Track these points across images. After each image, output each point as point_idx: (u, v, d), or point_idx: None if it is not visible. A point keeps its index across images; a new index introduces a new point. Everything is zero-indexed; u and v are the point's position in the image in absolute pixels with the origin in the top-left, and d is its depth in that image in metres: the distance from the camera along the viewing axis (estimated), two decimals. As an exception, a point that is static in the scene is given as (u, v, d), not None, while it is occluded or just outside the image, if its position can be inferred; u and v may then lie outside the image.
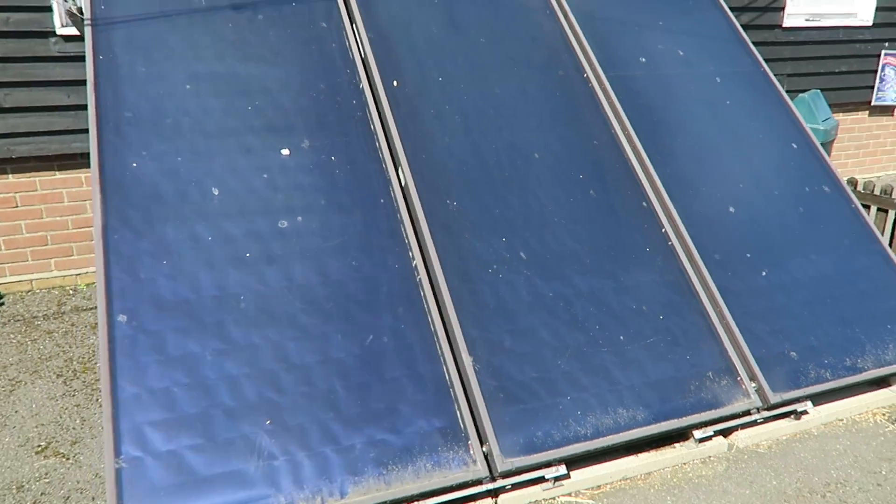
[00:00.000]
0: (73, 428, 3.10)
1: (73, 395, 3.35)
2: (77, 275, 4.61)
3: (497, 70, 3.59)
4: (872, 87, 6.86)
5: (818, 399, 3.08)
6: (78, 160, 4.42)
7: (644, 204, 3.32)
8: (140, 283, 2.51)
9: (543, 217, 3.13)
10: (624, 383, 2.77)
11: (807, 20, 6.34)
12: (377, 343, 2.61)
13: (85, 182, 4.46)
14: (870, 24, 6.56)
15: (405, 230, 2.91)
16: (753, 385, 2.92)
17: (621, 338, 2.88)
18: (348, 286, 2.71)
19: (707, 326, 3.01)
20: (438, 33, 3.63)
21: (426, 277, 2.81)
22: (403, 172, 3.06)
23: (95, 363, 3.64)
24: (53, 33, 4.13)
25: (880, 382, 3.30)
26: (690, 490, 2.70)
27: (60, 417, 3.18)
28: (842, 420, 3.16)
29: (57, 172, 4.40)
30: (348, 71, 3.33)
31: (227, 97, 3.08)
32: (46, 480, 2.76)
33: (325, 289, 2.68)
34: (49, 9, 4.10)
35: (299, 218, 2.82)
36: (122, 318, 2.42)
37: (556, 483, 2.61)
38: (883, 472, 2.80)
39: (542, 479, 2.58)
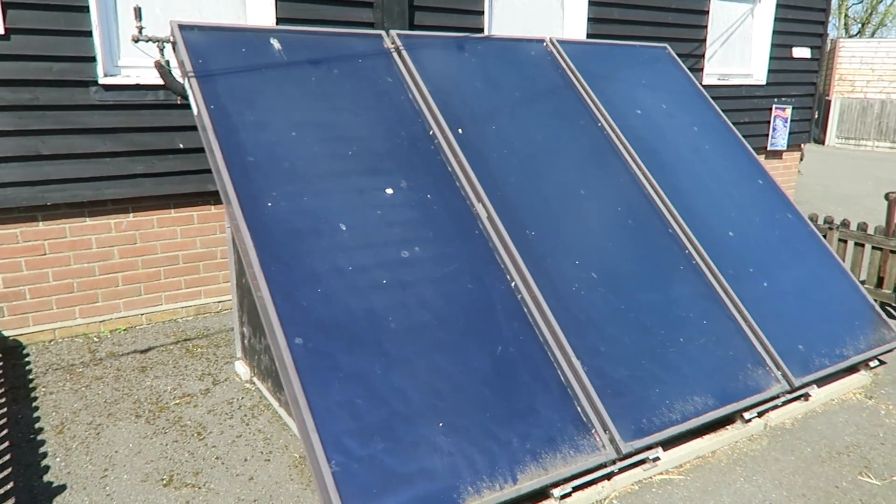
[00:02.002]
0: (186, 461, 3.19)
1: (165, 433, 3.41)
2: (101, 321, 4.56)
3: (533, 120, 4.15)
4: (767, 135, 8.16)
5: (819, 383, 3.83)
6: (108, 206, 4.44)
7: (669, 231, 3.98)
8: (303, 310, 2.76)
9: (599, 243, 3.69)
10: (691, 377, 3.34)
11: (719, 79, 7.51)
12: (505, 353, 3.01)
13: (114, 228, 4.48)
14: (764, 83, 7.86)
15: (500, 257, 3.35)
16: (780, 373, 3.60)
17: (681, 339, 3.47)
18: (469, 306, 3.10)
19: (737, 328, 3.67)
20: (481, 88, 4.14)
21: (527, 296, 3.25)
22: (486, 207, 3.51)
23: (168, 402, 3.70)
24: (95, 82, 4.20)
25: (852, 369, 4.11)
26: (751, 461, 3.29)
27: (166, 453, 3.25)
28: (833, 399, 3.92)
29: (87, 219, 4.39)
30: (420, 120, 3.75)
31: (329, 143, 3.40)
32: (192, 508, 2.87)
33: (452, 308, 3.05)
34: (93, 59, 4.18)
35: (416, 248, 3.19)
36: (298, 340, 2.67)
37: (653, 463, 3.11)
38: (881, 435, 3.55)
39: (642, 462, 3.07)
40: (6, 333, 4.29)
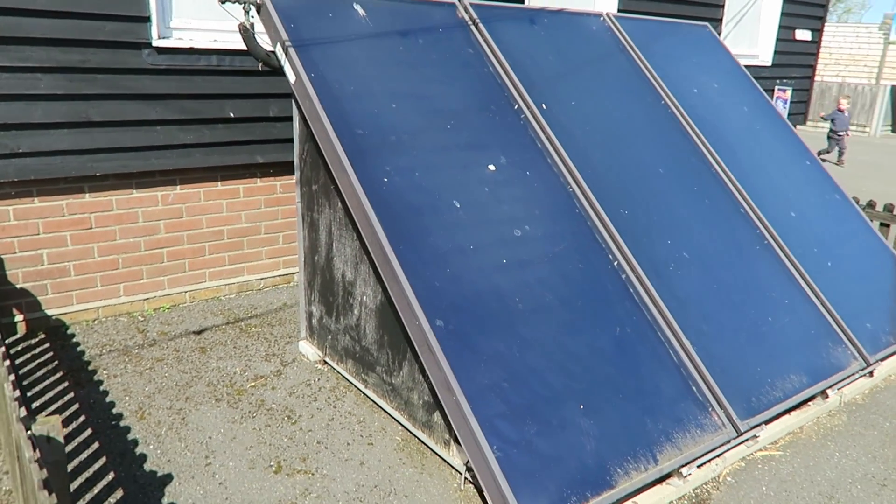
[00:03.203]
0: (287, 446, 3.06)
1: (254, 417, 3.27)
2: (145, 299, 4.33)
3: (605, 96, 4.10)
4: (768, 116, 8.32)
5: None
6: (156, 177, 4.19)
7: (741, 210, 4.02)
8: (437, 291, 2.67)
9: (684, 222, 3.69)
10: (785, 355, 3.40)
11: (730, 59, 7.59)
12: (623, 333, 2.99)
13: (161, 201, 4.24)
14: (769, 64, 8.01)
15: (600, 236, 3.31)
16: (856, 350, 3.71)
17: (769, 319, 3.52)
18: (584, 285, 3.06)
19: (813, 307, 3.75)
20: (555, 62, 4.06)
21: (631, 275, 3.24)
22: (580, 185, 3.46)
23: (244, 385, 3.55)
24: (149, 44, 3.92)
25: (902, 345, 4.27)
26: (839, 437, 3.39)
27: (263, 438, 3.11)
28: (891, 375, 4.07)
29: (135, 190, 4.13)
30: (505, 94, 3.65)
31: (428, 116, 3.28)
32: (314, 496, 2.76)
33: (570, 288, 3.01)
34: (147, 19, 3.89)
35: (527, 227, 3.12)
36: (440, 323, 2.57)
37: (755, 440, 3.17)
38: (946, 408, 3.71)
39: (745, 439, 3.12)
40: (49, 312, 4.02)
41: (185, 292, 4.47)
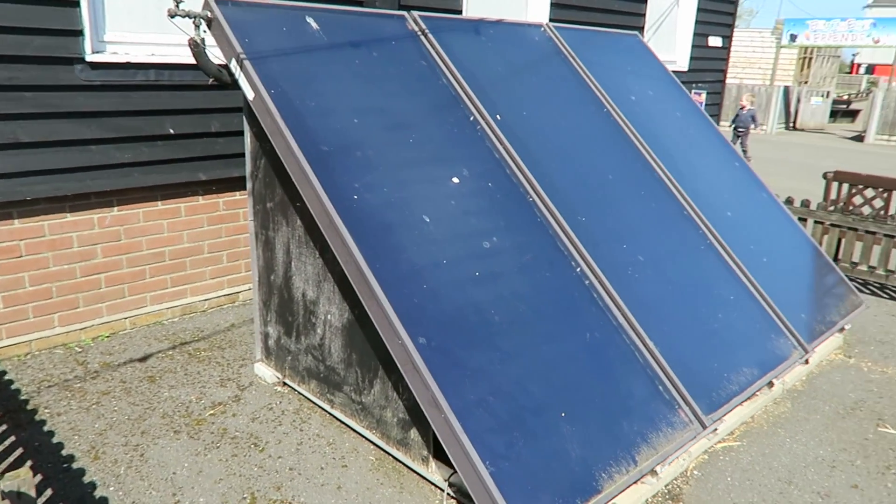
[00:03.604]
0: (258, 476, 2.95)
1: (218, 447, 3.14)
2: (82, 329, 4.07)
3: (553, 106, 4.19)
4: (685, 119, 8.73)
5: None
6: (92, 199, 3.94)
7: (685, 213, 4.20)
8: (417, 307, 2.64)
9: (636, 226, 3.82)
10: (737, 350, 3.57)
11: (650, 65, 7.93)
12: (593, 339, 3.06)
13: (97, 224, 3.99)
14: (686, 69, 8.41)
15: (562, 244, 3.38)
16: (795, 341, 3.95)
17: (720, 315, 3.69)
18: (553, 294, 3.11)
19: (756, 302, 3.97)
20: (504, 73, 4.12)
21: (595, 281, 3.32)
22: (538, 194, 3.52)
23: (202, 414, 3.40)
24: (81, 59, 3.69)
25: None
26: (787, 423, 3.59)
27: (231, 469, 2.99)
28: (823, 361, 4.36)
29: (69, 214, 3.88)
30: (461, 106, 3.67)
31: (390, 131, 3.25)
32: (296, 524, 2.68)
33: (541, 297, 3.05)
34: (79, 32, 3.67)
35: (495, 238, 3.14)
36: (422, 340, 2.55)
37: (714, 433, 3.31)
38: (875, 390, 4.00)
39: (709, 433, 3.26)
40: (-23, 349, 3.72)
41: (126, 318, 4.24)
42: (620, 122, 4.49)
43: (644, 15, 7.56)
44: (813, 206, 5.77)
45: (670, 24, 8.23)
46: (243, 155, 4.44)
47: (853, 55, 45.23)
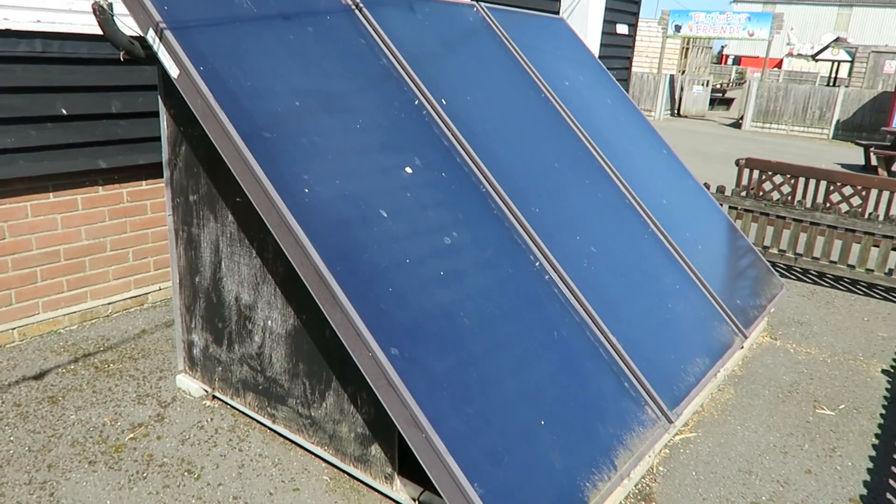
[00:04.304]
0: (198, 508, 2.59)
1: (145, 478, 2.73)
2: (-39, 344, 3.45)
3: (494, 90, 3.99)
4: (595, 105, 8.84)
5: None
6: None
7: (626, 201, 4.14)
8: (384, 314, 2.37)
9: (585, 216, 3.71)
10: (689, 341, 3.55)
11: (564, 51, 7.92)
12: (560, 338, 2.91)
13: (20, 213, 3.39)
14: (597, 55, 8.47)
15: (519, 237, 3.20)
16: (735, 327, 4.00)
17: (669, 305, 3.66)
18: (517, 291, 2.92)
19: (698, 291, 3.98)
20: (443, 54, 3.86)
21: (554, 275, 3.17)
22: (491, 184, 3.31)
23: (120, 438, 2.96)
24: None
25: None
26: (734, 410, 3.63)
27: (164, 502, 2.60)
28: (753, 344, 4.48)
29: (-62, 209, 3.25)
30: (405, 89, 3.39)
31: (335, 115, 2.92)
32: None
33: (505, 296, 2.85)
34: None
35: (454, 233, 2.90)
36: (394, 351, 2.28)
37: (672, 425, 3.28)
38: (805, 371, 4.14)
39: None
40: None
41: (13, 329, 3.65)
42: (559, 109, 4.36)
43: (559, 0, 7.52)
44: (728, 193, 5.95)
45: (582, 11, 8.26)
46: (148, 140, 3.94)
47: (722, 46, 48.41)
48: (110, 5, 2.75)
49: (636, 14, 9.23)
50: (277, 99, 2.77)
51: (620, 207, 4.03)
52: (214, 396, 3.29)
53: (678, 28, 20.51)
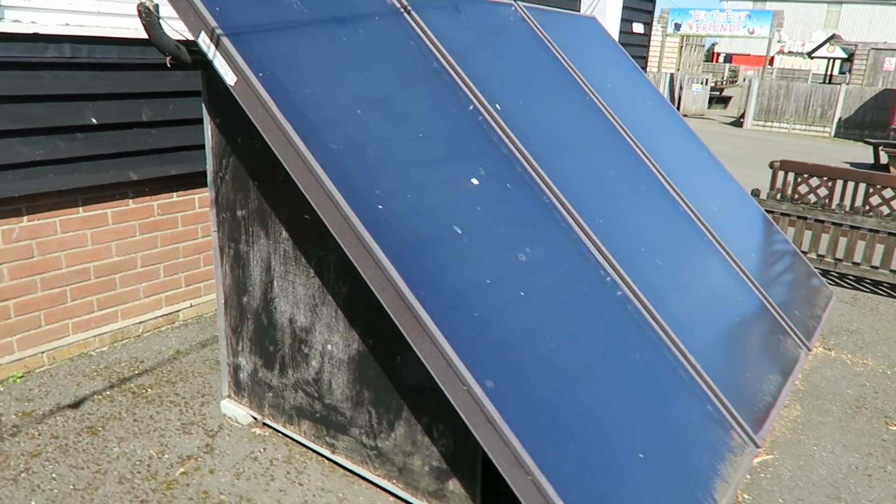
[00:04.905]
0: (264, 553, 2.38)
1: (202, 518, 2.52)
2: (-12, 371, 3.23)
3: (545, 94, 3.81)
4: (612, 105, 8.67)
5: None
6: (9, 204, 3.11)
7: (681, 209, 3.96)
8: (475, 343, 2.17)
9: (646, 226, 3.53)
10: (759, 356, 3.38)
11: (583, 51, 7.74)
12: (644, 360, 2.72)
13: (2, 238, 3.16)
14: (614, 55, 8.30)
15: (588, 250, 3.01)
16: (798, 339, 3.83)
17: (737, 320, 3.49)
18: (596, 311, 2.74)
19: (762, 304, 3.81)
20: (491, 57, 3.68)
21: (627, 291, 2.98)
22: (555, 194, 3.12)
23: (170, 473, 2.74)
24: (-27, 28, 2.85)
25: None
26: (807, 429, 3.45)
27: (228, 547, 2.39)
28: (808, 356, 4.31)
29: (-36, 228, 3.03)
30: (459, 93, 3.20)
31: (396, 124, 2.72)
32: None
33: (586, 316, 2.66)
34: (-31, -8, 2.82)
35: (528, 249, 2.71)
36: (490, 384, 2.09)
37: (759, 449, 3.10)
38: (868, 384, 3.97)
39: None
40: None
41: (42, 353, 3.42)
42: (606, 113, 4.18)
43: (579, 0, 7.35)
44: (763, 196, 5.79)
45: (600, 11, 8.09)
46: (179, 149, 3.73)
47: (713, 44, 48.44)
48: (156, 7, 2.53)
49: (651, 13, 9.07)
50: (338, 107, 2.57)
51: (676, 216, 3.85)
52: (265, 424, 3.08)
53: (678, 26, 20.42)
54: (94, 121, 3.32)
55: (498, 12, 4.17)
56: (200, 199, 3.97)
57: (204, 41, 2.46)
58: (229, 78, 2.42)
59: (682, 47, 25.66)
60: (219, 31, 2.42)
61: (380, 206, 2.33)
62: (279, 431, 3.04)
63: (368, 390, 2.67)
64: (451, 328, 2.15)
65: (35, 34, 3.05)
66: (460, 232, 2.52)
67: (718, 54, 48.89)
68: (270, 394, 3.02)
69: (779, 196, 5.81)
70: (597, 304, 2.78)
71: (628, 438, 2.34)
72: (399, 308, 2.15)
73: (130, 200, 3.64)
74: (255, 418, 3.11)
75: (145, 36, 3.30)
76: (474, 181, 2.81)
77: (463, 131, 3.02)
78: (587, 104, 4.10)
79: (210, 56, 2.46)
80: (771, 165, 6.02)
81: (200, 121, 3.78)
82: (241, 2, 2.62)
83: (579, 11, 7.36)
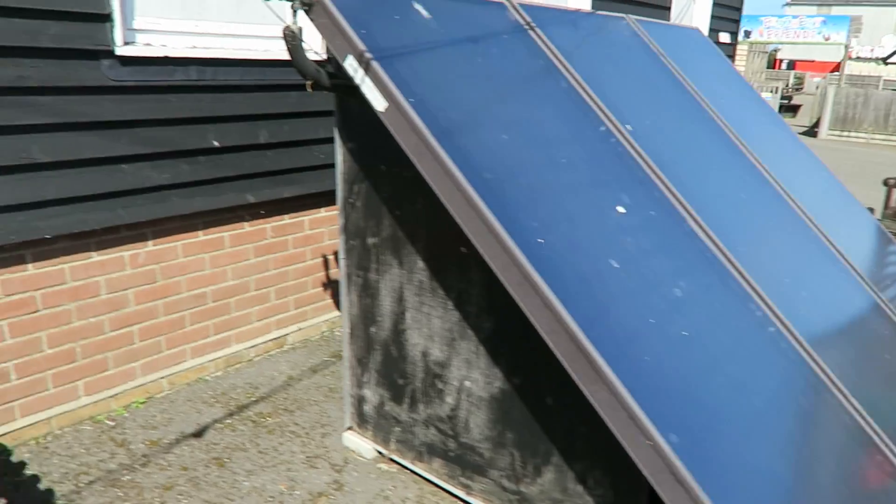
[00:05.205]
0: None
1: (342, 562, 2.41)
2: (112, 396, 3.22)
3: (667, 112, 3.62)
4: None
5: None
6: (122, 233, 3.10)
7: (811, 234, 3.71)
8: (650, 390, 2.01)
9: (786, 255, 3.30)
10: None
11: (671, 62, 7.50)
12: (808, 404, 2.50)
13: (129, 263, 3.15)
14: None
15: (735, 282, 2.81)
16: (948, 376, 3.52)
17: (886, 356, 3.22)
18: (755, 349, 2.53)
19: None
20: (613, 73, 3.51)
21: (780, 326, 2.77)
22: (697, 222, 2.93)
23: (302, 511, 2.65)
24: (110, 53, 2.85)
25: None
26: None
27: None
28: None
29: (94, 253, 3.02)
30: (591, 114, 3.05)
31: (540, 149, 2.59)
32: None
33: (748, 357, 2.47)
34: (107, 17, 2.82)
35: (682, 283, 2.53)
36: (674, 438, 1.92)
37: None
38: None
39: None
40: (-18, 436, 2.83)
41: (162, 378, 3.40)
42: (727, 131, 3.96)
43: (669, 9, 7.12)
44: (877, 215, 5.45)
45: (688, 19, 7.83)
46: (293, 171, 3.68)
47: (774, 50, 46.97)
48: (301, 30, 2.47)
49: (737, 22, 8.75)
50: (485, 132, 2.45)
51: (810, 243, 3.60)
52: (392, 459, 2.97)
53: (748, 34, 19.79)
54: (216, 143, 3.30)
55: (612, 26, 4.01)
56: (310, 221, 3.91)
57: (351, 65, 2.38)
58: (379, 104, 2.33)
59: (749, 55, 24.92)
60: (368, 55, 2.33)
61: (540, 240, 2.19)
62: (407, 468, 2.93)
63: (511, 431, 2.52)
64: (628, 375, 1.99)
65: (165, 57, 3.04)
66: (617, 266, 2.36)
67: (781, 61, 47.41)
68: (398, 428, 2.91)
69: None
70: (757, 345, 2.57)
71: (817, 498, 2.13)
72: (571, 352, 2.00)
73: (246, 223, 3.60)
74: (380, 452, 3.01)
75: (266, 57, 3.29)
76: (620, 209, 2.65)
77: (600, 155, 2.87)
78: (707, 121, 3.89)
79: (357, 80, 2.37)
80: (885, 183, 5.66)
81: (314, 142, 3.73)
82: (383, 23, 2.53)
83: (669, 21, 7.12)
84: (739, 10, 8.67)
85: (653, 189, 2.93)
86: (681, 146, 3.43)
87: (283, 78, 3.48)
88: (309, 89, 2.57)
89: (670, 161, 3.22)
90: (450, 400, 2.70)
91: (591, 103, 3.13)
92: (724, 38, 8.43)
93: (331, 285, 4.15)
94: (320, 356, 3.91)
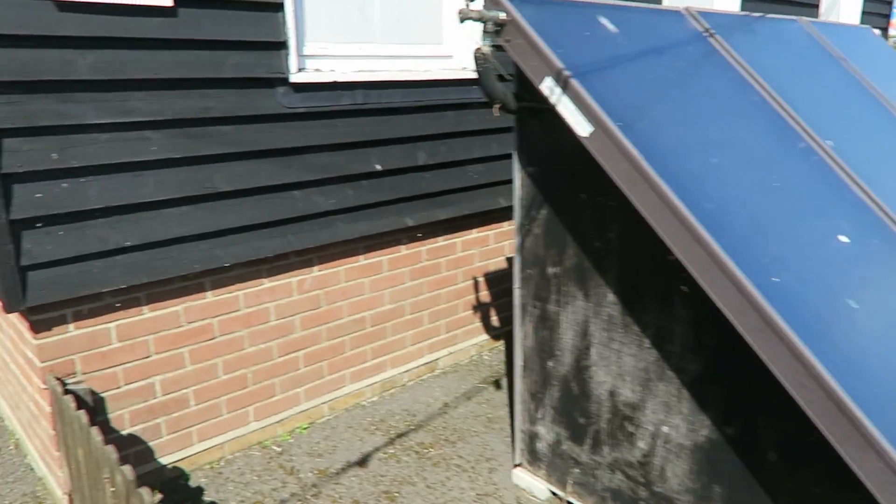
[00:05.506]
0: None
1: None
2: (278, 422, 3.22)
3: (868, 127, 3.27)
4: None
5: None
6: (291, 259, 3.09)
7: None
8: (922, 454, 1.73)
9: None
10: None
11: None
12: None
13: (296, 289, 3.14)
14: (849, 65, 7.40)
15: (976, 320, 2.44)
16: None
17: None
18: None
19: None
20: (800, 83, 3.20)
21: None
22: (921, 250, 2.58)
23: (483, 556, 2.51)
24: (284, 80, 2.84)
25: None
26: None
27: None
28: None
29: (265, 280, 3.03)
30: (788, 131, 2.76)
31: (749, 172, 2.35)
32: None
33: None
34: (282, 45, 2.81)
35: (924, 323, 2.21)
36: (962, 515, 1.63)
37: None
38: None
39: None
40: (164, 461, 2.87)
41: (324, 403, 3.38)
42: (928, 139, 3.54)
43: (818, 6, 6.59)
44: None
45: (835, 14, 7.25)
46: (448, 192, 3.58)
47: (899, 42, 43.46)
48: (492, 52, 2.34)
49: (888, 16, 8.02)
50: (694, 156, 2.23)
51: None
52: (569, 502, 2.79)
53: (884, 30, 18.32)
54: (378, 167, 3.24)
55: (787, 30, 3.68)
56: (463, 243, 3.81)
57: (548, 87, 2.22)
58: (582, 129, 2.16)
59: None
60: (566, 73, 2.17)
61: (774, 279, 1.95)
62: (587, 512, 2.74)
63: (720, 486, 2.28)
64: (890, 428, 1.72)
65: (334, 82, 3.01)
66: (856, 306, 2.08)
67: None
68: (577, 470, 2.73)
69: None
70: None
71: None
72: (829, 412, 1.75)
73: (403, 247, 3.53)
74: (554, 493, 2.83)
75: (426, 77, 3.20)
76: (843, 238, 2.36)
77: (808, 176, 2.58)
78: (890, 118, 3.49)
79: (554, 101, 2.22)
80: None
81: (468, 162, 3.62)
82: (576, 41, 2.37)
83: (818, 18, 6.60)
84: (890, 3, 7.95)
85: (867, 213, 2.61)
86: (884, 160, 3.07)
87: (442, 98, 3.39)
88: (496, 112, 2.44)
89: (878, 179, 2.88)
90: (642, 445, 2.49)
91: (787, 117, 2.84)
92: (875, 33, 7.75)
93: (480, 308, 4.03)
94: (472, 381, 3.78)
